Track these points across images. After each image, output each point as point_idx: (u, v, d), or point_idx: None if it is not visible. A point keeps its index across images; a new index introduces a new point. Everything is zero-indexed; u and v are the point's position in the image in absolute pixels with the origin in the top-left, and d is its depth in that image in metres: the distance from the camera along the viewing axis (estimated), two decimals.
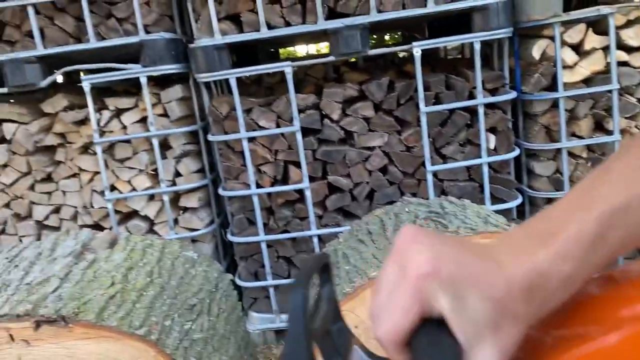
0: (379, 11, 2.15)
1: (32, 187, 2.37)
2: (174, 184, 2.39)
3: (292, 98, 2.23)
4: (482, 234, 1.24)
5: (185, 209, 2.45)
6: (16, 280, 1.21)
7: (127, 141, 2.34)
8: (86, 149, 2.36)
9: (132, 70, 2.22)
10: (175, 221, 2.42)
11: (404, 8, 2.16)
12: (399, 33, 5.17)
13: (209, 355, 1.26)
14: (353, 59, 3.11)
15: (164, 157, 2.34)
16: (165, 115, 2.34)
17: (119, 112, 2.34)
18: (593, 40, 2.18)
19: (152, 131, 2.28)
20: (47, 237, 1.44)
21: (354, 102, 2.30)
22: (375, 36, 5.33)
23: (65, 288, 1.18)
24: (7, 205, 2.38)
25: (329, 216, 2.40)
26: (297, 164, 2.32)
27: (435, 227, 1.34)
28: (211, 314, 1.37)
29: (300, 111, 2.27)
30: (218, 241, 2.59)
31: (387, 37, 5.93)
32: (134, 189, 2.36)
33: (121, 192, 2.35)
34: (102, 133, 2.30)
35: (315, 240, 2.38)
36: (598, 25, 2.19)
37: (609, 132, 2.25)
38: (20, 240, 2.39)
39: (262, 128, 2.30)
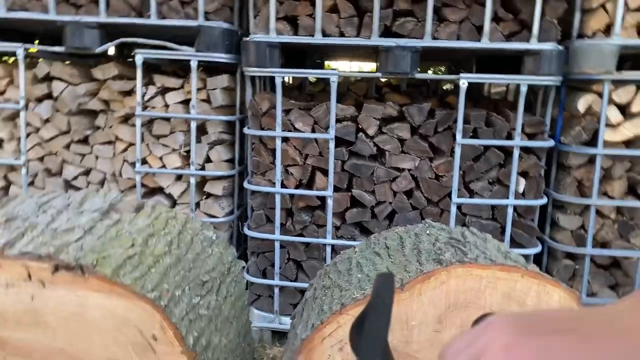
0: (434, 38, 2.18)
1: (67, 146, 2.43)
2: (203, 168, 2.43)
3: (333, 106, 2.25)
4: (500, 266, 1.23)
5: (209, 195, 2.49)
6: (42, 224, 1.24)
7: (167, 119, 2.39)
8: (126, 119, 2.42)
9: (186, 52, 2.28)
10: (197, 205, 2.45)
11: (458, 39, 2.19)
12: (443, 68, 5.21)
13: (210, 333, 1.26)
14: (396, 83, 3.13)
15: (198, 140, 2.38)
16: (207, 101, 2.39)
17: (164, 91, 2.40)
18: None
19: (192, 114, 2.32)
20: (77, 192, 1.48)
21: (392, 122, 2.32)
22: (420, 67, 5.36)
23: (88, 240, 1.20)
24: (40, 159, 2.45)
25: (346, 228, 2.41)
26: (325, 172, 2.34)
27: (454, 252, 1.34)
28: (220, 295, 1.38)
29: (337, 121, 2.29)
30: (234, 232, 2.61)
31: (430, 72, 5.97)
32: (163, 166, 2.41)
33: (151, 167, 2.40)
34: (144, 107, 2.36)
35: (329, 249, 2.39)
36: None
37: None
38: None
39: (297, 130, 2.33)
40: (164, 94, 2.39)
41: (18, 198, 1.44)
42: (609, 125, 2.18)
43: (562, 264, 2.36)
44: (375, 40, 2.19)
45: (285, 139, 2.33)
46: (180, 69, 2.49)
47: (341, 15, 2.23)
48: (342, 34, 2.25)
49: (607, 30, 2.13)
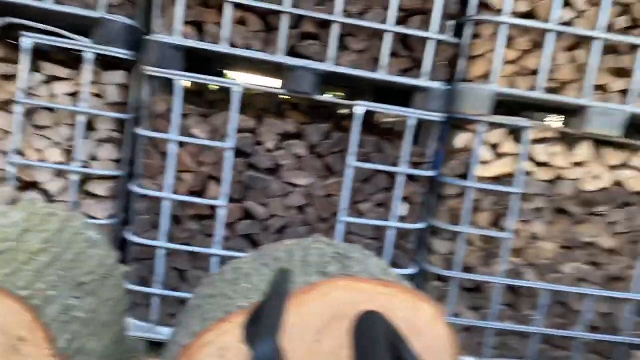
0: (336, 63, 2.29)
1: None
2: (86, 166, 2.30)
3: (234, 116, 2.26)
4: (379, 281, 1.32)
5: (91, 195, 2.35)
6: None
7: (51, 110, 2.23)
8: (5, 104, 2.22)
9: (82, 43, 2.16)
10: (77, 205, 2.30)
11: (358, 67, 2.32)
12: (343, 93, 5.43)
13: (84, 336, 1.20)
14: (296, 101, 3.21)
15: (85, 136, 2.26)
16: (99, 96, 2.28)
17: (51, 79, 2.24)
18: (509, 146, 2.45)
19: (82, 107, 2.20)
20: None
21: (290, 139, 2.38)
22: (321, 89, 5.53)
23: None
24: None
25: (235, 240, 2.41)
26: (218, 181, 2.33)
27: (339, 267, 1.41)
28: (98, 298, 1.32)
29: (236, 131, 2.30)
30: (114, 236, 2.48)
31: (331, 94, 6.18)
32: (43, 160, 2.24)
33: (28, 159, 2.22)
34: (27, 94, 2.19)
35: (215, 260, 2.37)
36: (516, 134, 2.46)
37: (503, 230, 2.49)
38: None
39: (194, 136, 2.31)
40: (51, 82, 2.24)
41: None
42: (481, 162, 2.44)
43: (433, 285, 2.56)
44: (281, 58, 2.25)
45: (180, 144, 2.29)
46: (71, 59, 2.35)
47: (249, 28, 2.26)
48: (248, 47, 2.28)
49: (486, 77, 2.39)
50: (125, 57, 2.26)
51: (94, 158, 2.31)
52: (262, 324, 0.46)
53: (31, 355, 1.08)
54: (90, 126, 2.30)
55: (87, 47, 2.17)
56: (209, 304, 1.40)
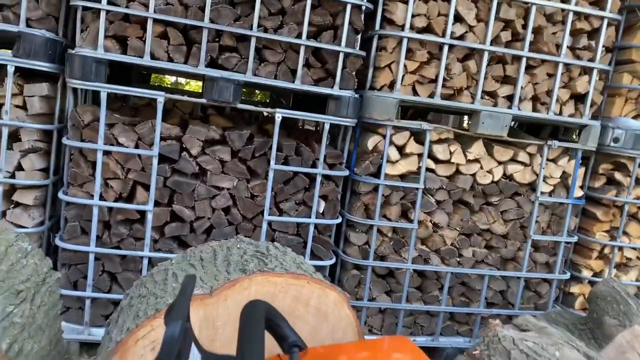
0: (255, 74, 2.45)
1: None
2: (13, 176, 2.33)
3: (158, 125, 2.38)
4: (291, 275, 1.52)
5: (17, 204, 2.39)
6: None
7: None
8: None
9: (3, 57, 2.19)
10: (3, 214, 2.34)
11: (275, 78, 2.50)
12: (266, 96, 5.60)
13: (23, 339, 1.31)
14: (220, 106, 3.35)
15: (9, 147, 2.29)
16: (23, 107, 2.31)
17: None
18: (413, 147, 2.73)
19: (5, 119, 2.23)
20: None
21: (214, 144, 2.53)
22: (244, 90, 5.66)
23: None
24: None
25: (164, 242, 2.53)
26: (146, 186, 2.44)
27: (257, 263, 1.60)
28: (34, 304, 1.43)
29: (162, 139, 2.42)
30: (43, 243, 2.53)
31: (257, 91, 6.32)
32: None
33: None
34: None
35: (145, 262, 2.48)
36: (419, 136, 2.74)
37: (411, 221, 2.77)
38: None
39: (120, 145, 2.40)
40: None
41: None
42: (389, 161, 2.70)
43: (351, 273, 2.81)
44: (202, 70, 2.39)
45: (106, 152, 2.37)
46: None
47: (170, 42, 2.38)
48: (170, 60, 2.39)
49: (391, 86, 2.65)
50: (48, 70, 2.30)
51: (20, 168, 2.35)
52: (172, 313, 0.63)
53: None
54: (15, 137, 2.33)
55: (8, 61, 2.20)
56: (141, 303, 1.54)
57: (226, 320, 1.46)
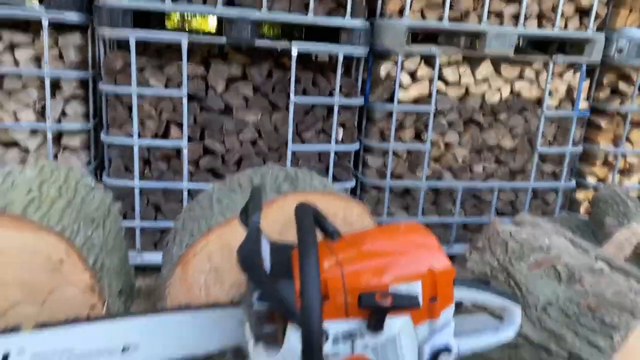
0: (269, 9, 2.56)
1: None
2: (59, 122, 2.55)
3: (184, 66, 2.54)
4: (320, 192, 1.74)
5: (65, 148, 2.62)
6: None
7: (18, 75, 2.43)
8: None
9: (36, 10, 2.34)
10: (55, 157, 2.57)
11: (289, 11, 2.61)
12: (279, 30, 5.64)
13: (103, 258, 1.57)
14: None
15: (53, 96, 2.49)
16: (60, 57, 2.48)
17: (12, 46, 2.42)
18: (424, 71, 2.85)
19: (45, 70, 2.41)
20: None
21: (237, 81, 2.69)
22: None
23: None
24: None
25: (200, 174, 2.76)
26: (179, 124, 2.64)
27: (290, 185, 1.81)
28: (105, 230, 1.67)
29: (188, 78, 2.58)
30: None
31: (266, 27, 6.33)
32: (17, 121, 2.47)
33: (4, 122, 2.44)
34: None
35: (185, 193, 2.73)
36: (429, 60, 2.86)
37: (424, 142, 2.95)
38: None
39: (151, 86, 2.57)
40: (13, 49, 2.42)
41: None
42: (402, 87, 2.84)
43: (370, 194, 3.04)
44: (220, 10, 2.51)
45: (140, 95, 2.56)
46: (28, 25, 2.51)
47: None
48: (190, 1, 2.51)
49: (401, 12, 2.74)
50: (78, 20, 2.45)
51: (64, 114, 2.55)
52: (250, 210, 0.84)
53: (70, 273, 1.44)
54: (56, 86, 2.52)
55: (42, 14, 2.35)
56: (193, 224, 1.78)
57: (269, 233, 1.70)
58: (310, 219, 0.80)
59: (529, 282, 1.25)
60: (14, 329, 0.77)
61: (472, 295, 0.88)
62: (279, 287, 0.73)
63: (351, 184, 2.94)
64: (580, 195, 3.31)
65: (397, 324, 0.75)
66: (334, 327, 0.73)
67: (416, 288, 0.77)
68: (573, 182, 3.24)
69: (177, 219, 1.95)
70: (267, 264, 0.78)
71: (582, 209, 3.31)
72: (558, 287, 1.22)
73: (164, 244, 1.90)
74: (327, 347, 0.71)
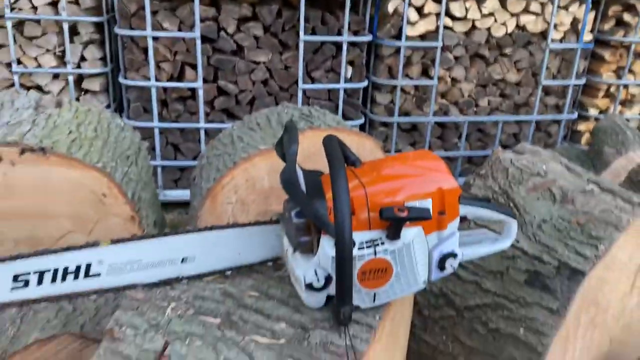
0: None
1: None
2: (78, 66, 2.64)
3: (196, 8, 2.59)
4: (334, 128, 1.86)
5: (86, 92, 2.72)
6: None
7: (37, 21, 2.50)
8: None
9: None
10: (77, 100, 2.68)
11: None
12: None
13: (139, 192, 1.73)
14: None
15: (72, 41, 2.56)
16: (76, 3, 2.54)
17: None
18: (431, 6, 2.88)
19: (63, 16, 2.48)
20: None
21: (247, 21, 2.74)
22: None
23: (36, 130, 1.54)
24: None
25: (215, 114, 2.87)
26: (193, 66, 2.72)
27: (305, 122, 1.93)
28: (138, 166, 1.82)
29: (200, 20, 2.64)
30: None
31: None
32: (39, 66, 2.56)
33: (27, 67, 2.54)
34: (12, 9, 2.44)
35: (202, 132, 2.85)
36: None
37: (431, 78, 3.02)
38: None
39: (165, 30, 2.64)
40: None
41: None
42: (409, 23, 2.88)
43: (378, 130, 3.15)
44: None
45: (154, 38, 2.63)
46: None
47: None
48: None
49: None
50: None
51: (83, 59, 2.64)
52: (285, 143, 0.96)
53: (112, 205, 1.60)
54: (74, 31, 2.59)
55: None
56: (218, 160, 1.92)
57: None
58: (337, 148, 0.93)
59: (526, 203, 1.39)
60: (94, 244, 0.93)
61: (475, 211, 1.02)
62: (314, 205, 0.87)
63: (360, 121, 3.05)
64: (582, 126, 3.41)
65: (411, 233, 0.90)
66: (359, 236, 0.87)
67: (427, 204, 0.91)
68: (575, 114, 3.33)
69: (202, 157, 2.09)
70: (302, 186, 0.91)
71: (583, 140, 3.42)
72: (552, 207, 1.36)
73: (191, 179, 2.05)
74: (354, 252, 0.86)
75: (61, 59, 2.57)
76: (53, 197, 1.52)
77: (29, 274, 0.91)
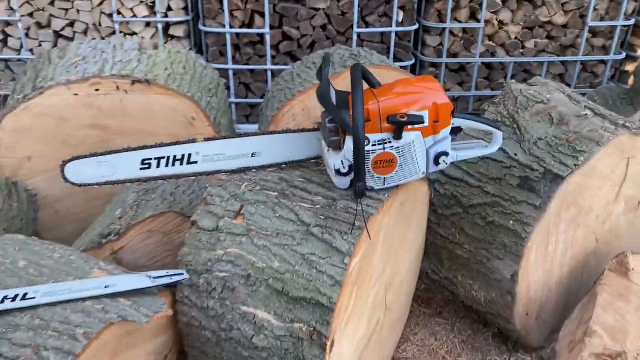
0: None
1: (52, 3, 2.93)
2: (166, 15, 3.06)
3: None
4: (374, 65, 2.16)
5: (172, 37, 3.15)
6: (110, 59, 1.98)
7: None
8: None
9: None
10: None
11: None
12: None
13: (219, 118, 2.14)
14: None
15: None
16: None
17: None
18: None
19: None
20: (110, 38, 2.18)
21: None
22: None
23: (141, 66, 1.97)
24: (30, 15, 2.95)
25: (280, 57, 3.22)
26: (261, 14, 3.06)
27: (353, 61, 2.25)
28: (217, 97, 2.23)
29: None
30: None
31: None
32: (134, 15, 3.01)
33: (124, 17, 3.00)
34: None
35: (269, 73, 3.22)
36: None
37: (478, 20, 3.19)
38: (40, 45, 3.02)
39: None
40: None
41: (72, 46, 2.12)
42: None
43: (428, 70, 3.38)
44: None
45: None
46: None
47: None
48: None
49: None
50: None
51: (169, 8, 3.05)
52: (322, 68, 1.30)
53: (199, 126, 2.02)
54: None
55: None
56: (279, 93, 2.29)
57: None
58: (359, 73, 1.26)
59: (528, 125, 1.65)
60: (192, 141, 1.33)
61: (466, 122, 1.32)
62: (341, 113, 1.22)
63: (410, 61, 3.29)
64: (629, 66, 3.45)
65: (411, 135, 1.22)
66: (373, 137, 1.21)
67: (424, 114, 1.23)
68: (623, 54, 3.38)
69: (267, 92, 2.47)
70: (333, 100, 1.26)
71: (630, 80, 3.47)
72: (549, 127, 1.62)
73: (259, 110, 2.45)
74: (368, 147, 1.21)
75: (151, 8, 3.00)
76: (155, 119, 1.97)
77: (150, 159, 1.33)
